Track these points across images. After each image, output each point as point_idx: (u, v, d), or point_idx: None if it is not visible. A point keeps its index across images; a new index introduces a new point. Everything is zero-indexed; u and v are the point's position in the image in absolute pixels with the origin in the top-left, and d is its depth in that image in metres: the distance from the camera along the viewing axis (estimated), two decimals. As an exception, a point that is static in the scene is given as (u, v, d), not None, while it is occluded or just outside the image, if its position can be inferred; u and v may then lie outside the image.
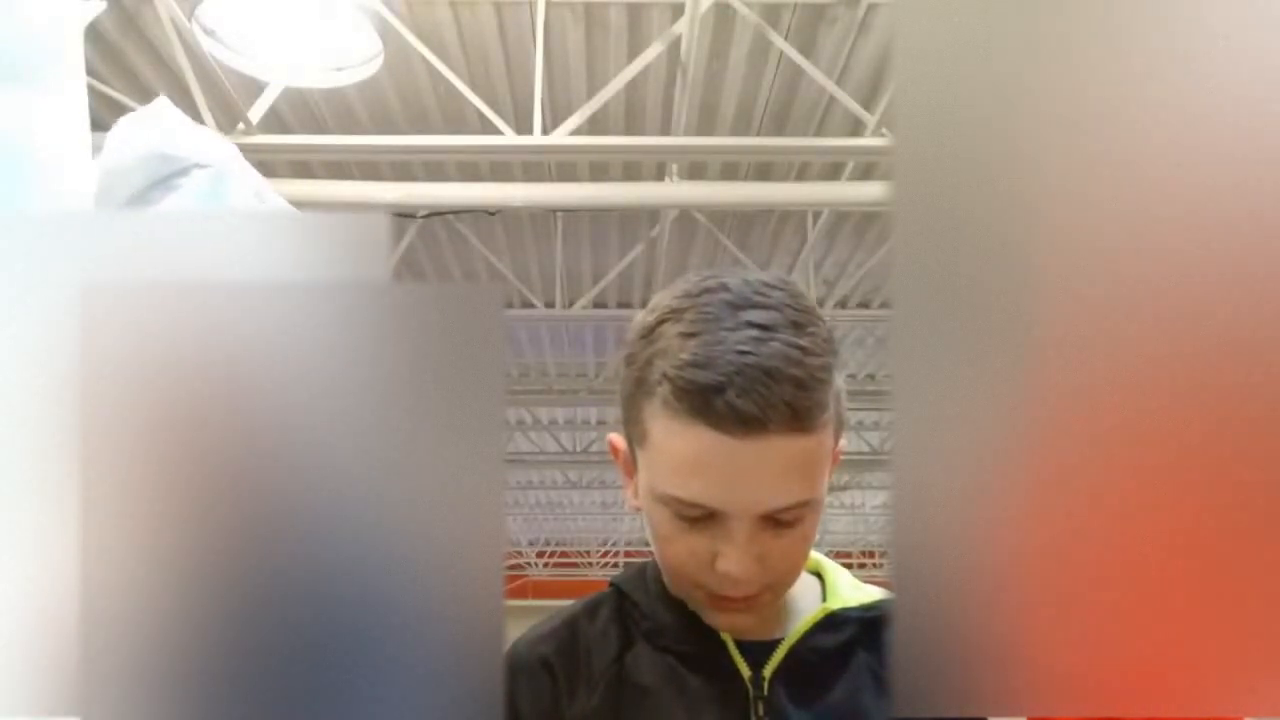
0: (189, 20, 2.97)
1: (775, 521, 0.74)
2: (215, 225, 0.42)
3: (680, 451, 0.74)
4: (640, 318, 0.80)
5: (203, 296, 0.38)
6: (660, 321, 0.77)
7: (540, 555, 13.44)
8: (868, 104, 3.59)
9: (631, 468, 0.81)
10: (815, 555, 0.89)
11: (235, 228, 0.41)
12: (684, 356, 0.73)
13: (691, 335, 0.74)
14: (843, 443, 0.80)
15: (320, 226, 0.41)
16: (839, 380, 0.77)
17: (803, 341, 0.73)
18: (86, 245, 0.40)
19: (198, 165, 0.90)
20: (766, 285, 0.76)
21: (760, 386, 0.70)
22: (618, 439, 0.84)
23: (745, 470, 0.72)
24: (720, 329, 0.73)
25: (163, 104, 0.94)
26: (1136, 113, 0.36)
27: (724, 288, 0.76)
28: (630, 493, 0.83)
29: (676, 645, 0.83)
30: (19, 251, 0.39)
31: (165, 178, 0.88)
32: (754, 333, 0.72)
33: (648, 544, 0.83)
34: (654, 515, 0.78)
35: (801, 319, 0.74)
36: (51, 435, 0.38)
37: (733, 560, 0.75)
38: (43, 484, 0.39)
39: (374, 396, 0.37)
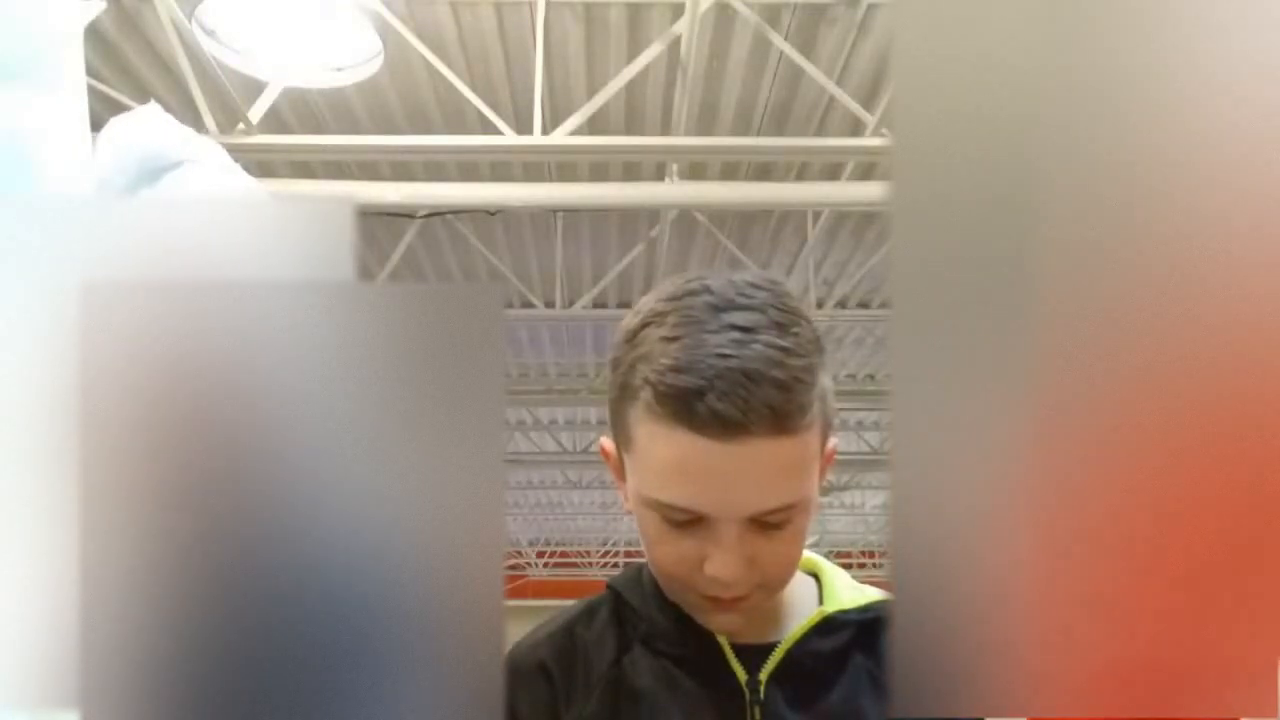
0: (189, 20, 2.97)
1: (763, 523, 0.74)
2: (178, 211, 0.41)
3: (664, 456, 0.73)
4: (625, 321, 0.79)
5: (201, 295, 0.38)
6: (643, 325, 0.76)
7: (540, 555, 13.44)
8: (868, 104, 3.59)
9: (622, 472, 0.81)
10: (813, 556, 0.88)
11: (199, 213, 0.41)
12: (665, 361, 0.73)
13: (673, 339, 0.73)
14: (834, 442, 0.80)
15: (284, 214, 0.40)
16: (825, 380, 0.76)
17: (785, 342, 0.72)
18: (65, 231, 0.40)
19: (189, 161, 0.90)
20: (751, 286, 0.76)
21: (741, 389, 0.70)
22: (608, 443, 0.84)
23: (729, 473, 0.72)
24: (702, 332, 0.73)
25: (153, 107, 0.95)
26: (1136, 112, 0.36)
27: (707, 290, 0.75)
28: (623, 496, 0.83)
29: (672, 649, 0.82)
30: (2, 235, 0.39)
31: (155, 172, 0.88)
32: (735, 335, 0.72)
33: (646, 545, 0.83)
34: (643, 519, 0.78)
35: (785, 319, 0.74)
36: (50, 429, 0.38)
37: (720, 564, 0.74)
38: (42, 476, 0.39)
39: (374, 396, 0.37)
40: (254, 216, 0.40)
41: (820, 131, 4.02)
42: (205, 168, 0.91)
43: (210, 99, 3.30)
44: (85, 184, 0.87)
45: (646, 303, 0.79)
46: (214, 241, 0.39)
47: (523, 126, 3.50)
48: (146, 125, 0.91)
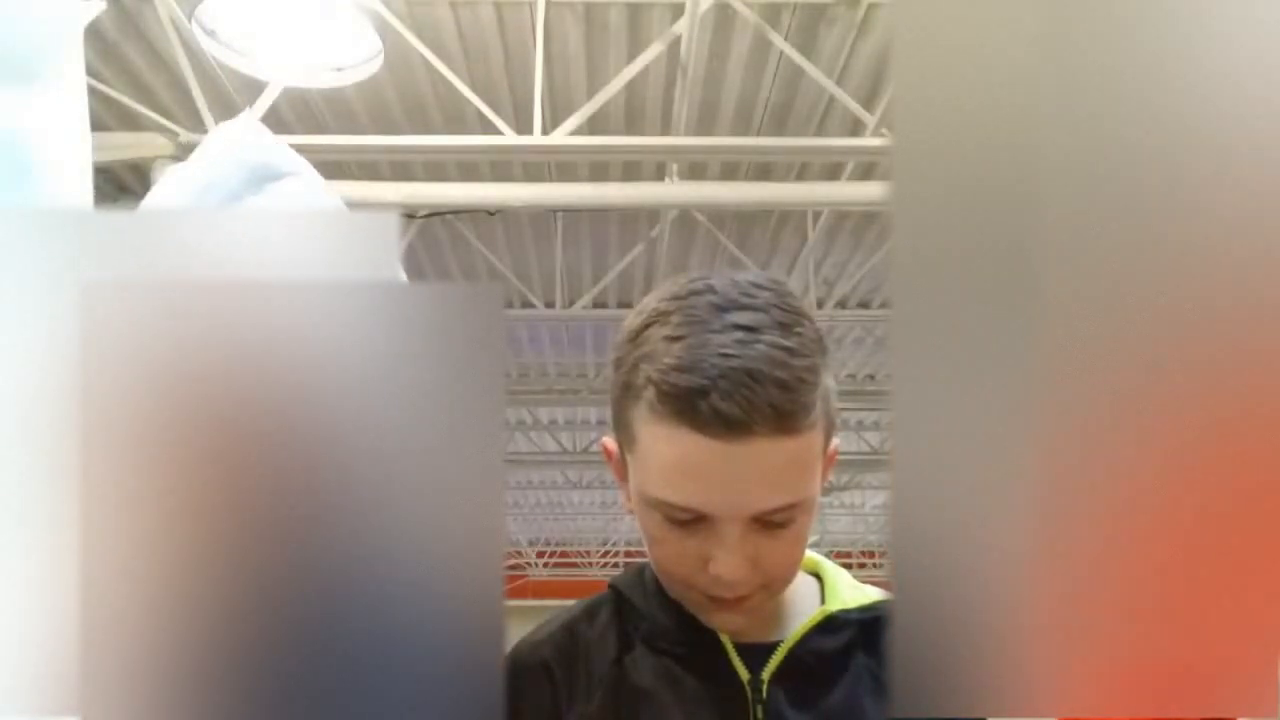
0: (189, 20, 2.97)
1: (766, 523, 0.74)
2: (222, 223, 0.42)
3: (667, 455, 0.73)
4: (628, 320, 0.79)
5: (203, 295, 0.38)
6: (647, 325, 0.77)
7: (540, 555, 13.44)
8: (868, 104, 3.59)
9: (624, 471, 0.81)
10: (814, 556, 0.88)
11: (241, 225, 0.41)
12: (669, 360, 0.73)
13: (677, 338, 0.73)
14: (836, 442, 0.80)
15: (329, 225, 0.41)
16: (828, 380, 0.76)
17: (789, 342, 0.72)
18: (89, 243, 0.40)
19: (291, 174, 0.91)
20: (754, 286, 0.76)
21: (745, 389, 0.70)
22: (610, 443, 0.84)
23: (732, 473, 0.72)
24: (705, 331, 0.73)
25: (252, 117, 0.97)
26: (1137, 110, 0.36)
27: (710, 289, 0.76)
28: (625, 495, 0.83)
29: (675, 648, 0.83)
30: (19, 248, 0.39)
31: (260, 181, 0.89)
32: (739, 335, 0.72)
33: (647, 545, 0.83)
34: (645, 518, 0.78)
35: (789, 319, 0.74)
36: (52, 435, 0.38)
37: (724, 563, 0.74)
38: (43, 483, 0.39)
39: (374, 396, 0.37)
40: (302, 229, 0.40)
41: (820, 131, 4.02)
42: (305, 180, 0.93)
43: (210, 99, 3.30)
44: (87, 185, 0.87)
45: (649, 302, 0.79)
46: (268, 253, 0.39)
47: (523, 126, 3.50)
48: (255, 136, 0.93)
